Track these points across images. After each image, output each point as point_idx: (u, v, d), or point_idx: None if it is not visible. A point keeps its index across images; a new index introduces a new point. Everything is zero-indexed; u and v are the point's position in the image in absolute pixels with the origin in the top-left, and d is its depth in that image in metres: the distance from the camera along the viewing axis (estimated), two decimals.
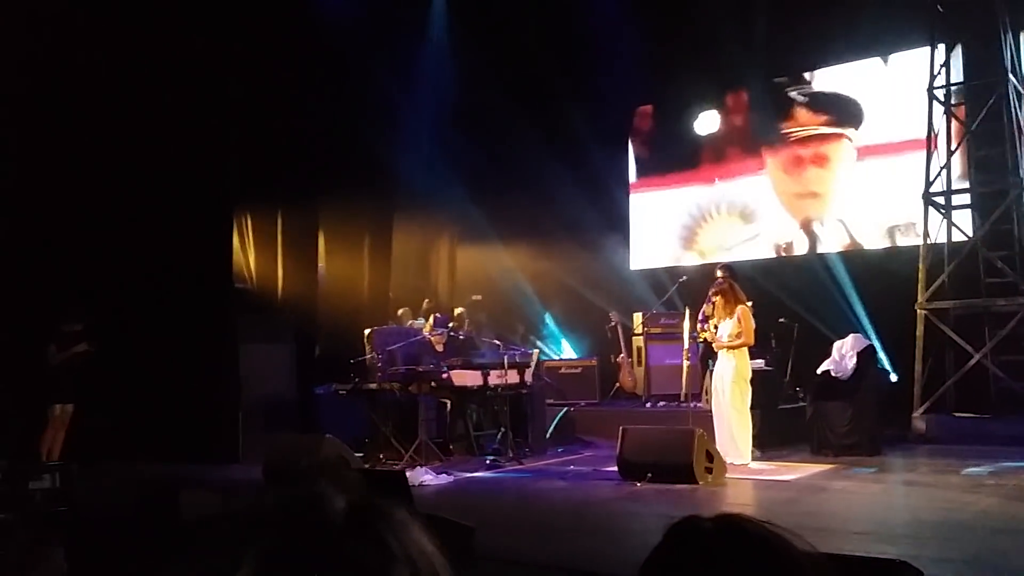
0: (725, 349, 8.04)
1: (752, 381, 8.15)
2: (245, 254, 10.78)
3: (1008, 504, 6.19)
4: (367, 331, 10.15)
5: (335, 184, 11.05)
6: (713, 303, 8.18)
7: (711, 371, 8.41)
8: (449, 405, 9.56)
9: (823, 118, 11.98)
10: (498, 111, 12.17)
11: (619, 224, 13.45)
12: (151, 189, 9.53)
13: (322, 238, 11.58)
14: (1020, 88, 10.00)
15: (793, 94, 12.22)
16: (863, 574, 3.00)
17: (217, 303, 9.90)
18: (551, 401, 10.71)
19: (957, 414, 9.60)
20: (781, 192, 12.30)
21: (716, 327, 8.16)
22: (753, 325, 8.08)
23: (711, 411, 8.21)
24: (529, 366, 9.62)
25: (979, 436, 8.97)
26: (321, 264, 11.55)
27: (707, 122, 13.01)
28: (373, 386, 9.37)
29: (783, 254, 12.16)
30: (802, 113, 12.13)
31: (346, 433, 8.63)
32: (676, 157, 13.11)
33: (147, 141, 9.40)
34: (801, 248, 12.08)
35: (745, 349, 8.10)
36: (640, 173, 13.66)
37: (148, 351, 9.26)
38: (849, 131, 11.75)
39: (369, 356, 9.67)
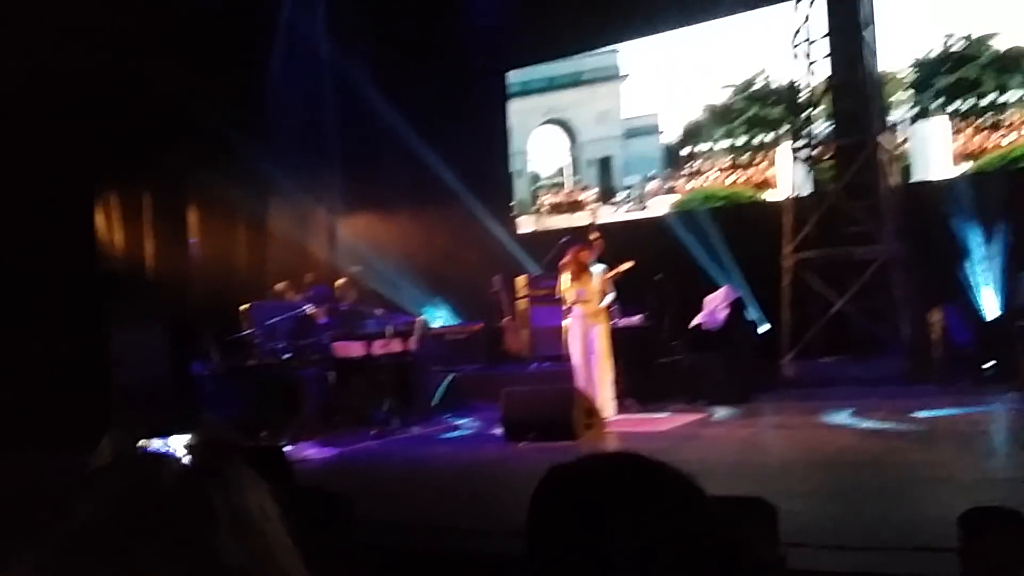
0: (594, 310, 8.28)
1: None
2: (110, 233, 10.29)
3: (864, 440, 6.60)
4: (245, 306, 9.88)
5: (204, 157, 10.64)
6: (578, 262, 8.35)
7: (566, 328, 8.58)
8: (333, 378, 9.43)
9: None
10: (372, 78, 11.93)
11: (502, 184, 13.49)
12: (3, 169, 8.95)
13: (194, 213, 11.17)
14: (872, 45, 10.53)
15: None
16: (717, 511, 3.14)
17: (81, 285, 9.43)
18: (438, 368, 10.71)
19: (822, 359, 10.11)
20: None
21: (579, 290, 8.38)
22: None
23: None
24: (412, 334, 9.59)
25: (842, 378, 9.49)
26: (193, 239, 11.16)
27: None
28: (253, 363, 9.16)
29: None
30: None
31: (227, 411, 8.42)
32: None
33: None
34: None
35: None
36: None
37: (4, 338, 8.75)
38: None
39: (248, 332, 9.43)
